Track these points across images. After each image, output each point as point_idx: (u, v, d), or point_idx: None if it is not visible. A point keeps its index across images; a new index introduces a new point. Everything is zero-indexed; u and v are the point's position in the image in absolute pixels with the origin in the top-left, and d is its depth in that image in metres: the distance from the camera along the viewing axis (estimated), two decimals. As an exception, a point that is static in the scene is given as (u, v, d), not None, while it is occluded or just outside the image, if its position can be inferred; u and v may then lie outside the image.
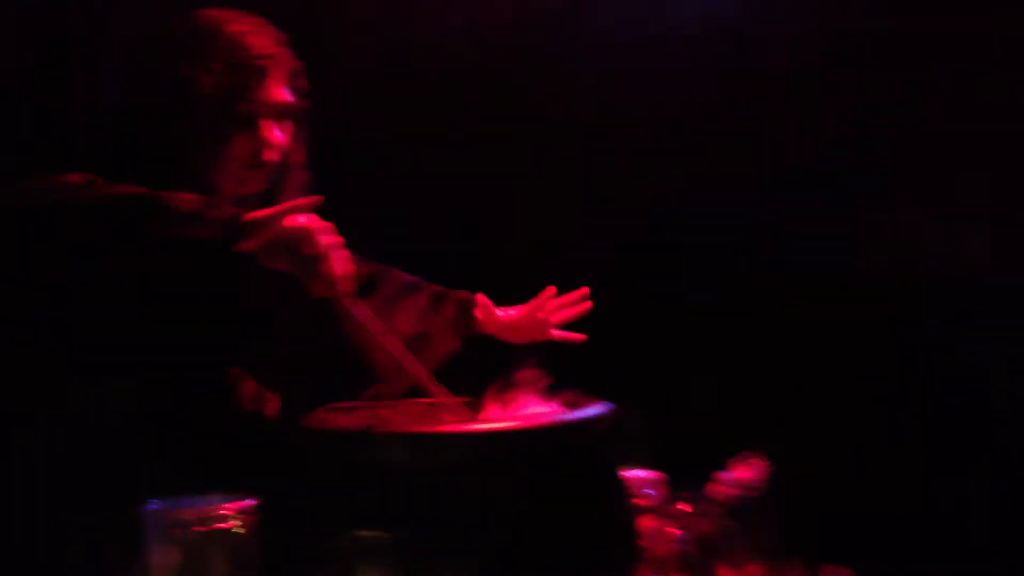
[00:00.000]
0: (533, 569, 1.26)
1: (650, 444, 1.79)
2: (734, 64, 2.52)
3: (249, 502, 1.33)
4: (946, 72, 2.36)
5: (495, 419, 1.42)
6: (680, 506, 1.68)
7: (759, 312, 2.45)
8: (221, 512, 1.30)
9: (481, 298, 2.06)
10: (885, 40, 2.41)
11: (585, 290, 2.06)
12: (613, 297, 2.51)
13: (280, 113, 1.74)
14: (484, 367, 1.61)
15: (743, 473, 1.66)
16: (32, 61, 2.08)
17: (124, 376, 1.63)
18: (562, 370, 1.54)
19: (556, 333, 2.07)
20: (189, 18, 1.72)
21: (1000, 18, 2.29)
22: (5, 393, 1.72)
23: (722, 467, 1.70)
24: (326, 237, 1.48)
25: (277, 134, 1.74)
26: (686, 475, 1.73)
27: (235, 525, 1.30)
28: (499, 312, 2.08)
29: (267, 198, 1.79)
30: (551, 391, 1.52)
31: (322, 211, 1.49)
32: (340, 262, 1.49)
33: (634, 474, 1.72)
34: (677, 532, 1.56)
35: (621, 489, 1.44)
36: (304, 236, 1.46)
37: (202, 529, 1.29)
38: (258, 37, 1.71)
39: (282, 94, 1.73)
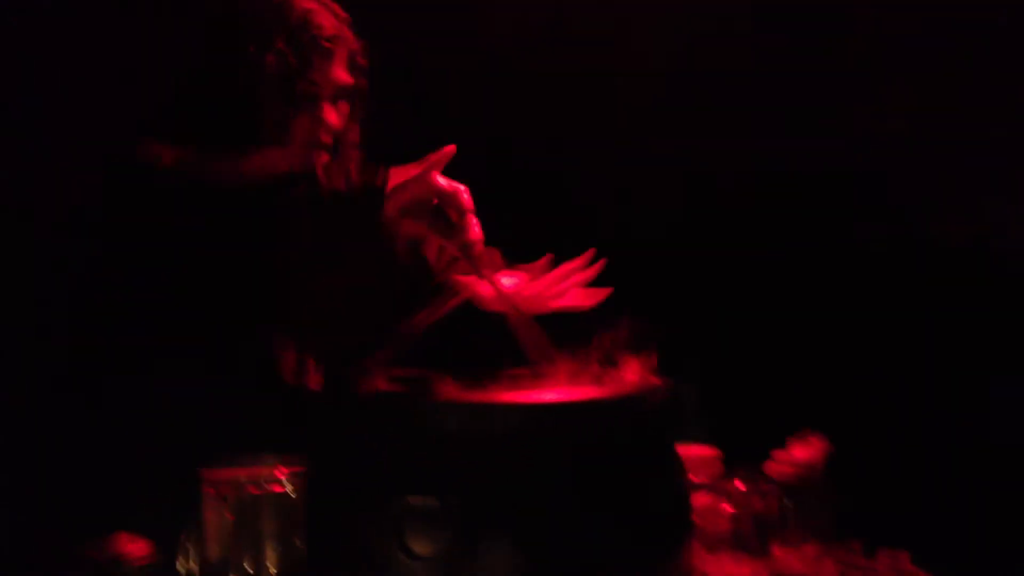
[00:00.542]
0: (582, 542, 1.25)
1: (707, 420, 1.77)
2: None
3: (301, 466, 1.33)
4: None
5: (552, 391, 1.40)
6: (736, 484, 1.67)
7: (824, 289, 2.41)
8: (274, 475, 1.31)
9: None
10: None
11: (600, 266, 1.69)
12: (674, 273, 2.52)
13: (339, 94, 1.74)
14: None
15: (801, 452, 1.63)
16: (102, 40, 2.10)
17: (185, 343, 1.65)
18: (619, 344, 1.52)
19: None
20: None
21: None
22: (79, 358, 1.76)
23: (780, 445, 1.67)
24: (468, 198, 1.47)
25: (334, 115, 1.74)
26: (743, 453, 1.71)
27: (287, 488, 1.31)
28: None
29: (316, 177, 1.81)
30: (610, 365, 1.50)
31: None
32: (477, 226, 1.48)
33: (690, 450, 1.70)
34: (732, 510, 1.54)
35: (676, 465, 1.42)
36: (452, 196, 1.45)
37: (255, 492, 1.29)
38: (323, 17, 1.71)
39: (343, 75, 1.73)
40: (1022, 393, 2.23)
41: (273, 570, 1.31)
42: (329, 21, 1.71)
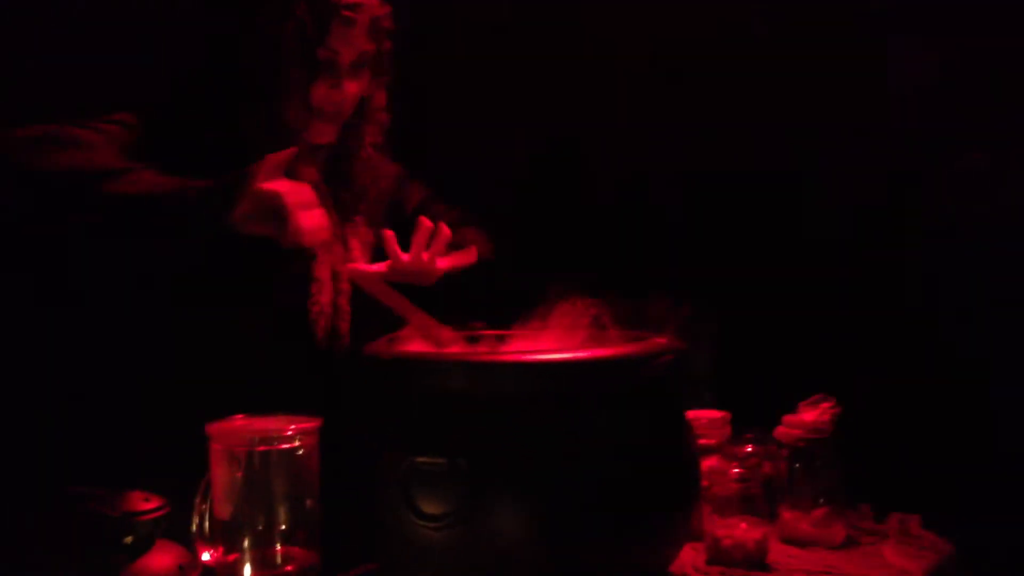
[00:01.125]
0: (589, 503, 1.25)
1: (717, 383, 1.77)
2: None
3: (311, 423, 1.34)
4: None
5: (555, 349, 1.40)
6: (745, 447, 1.67)
7: (834, 255, 2.39)
8: (284, 432, 1.31)
9: (387, 233, 1.70)
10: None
11: (449, 231, 1.70)
12: (685, 237, 2.51)
13: (360, 61, 1.73)
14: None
15: (810, 415, 1.63)
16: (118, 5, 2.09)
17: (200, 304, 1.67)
18: (627, 307, 1.51)
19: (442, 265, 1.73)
20: None
21: None
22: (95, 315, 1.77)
23: (790, 409, 1.67)
24: (294, 196, 1.47)
25: (354, 84, 1.73)
26: (753, 416, 1.71)
27: (297, 446, 1.31)
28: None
29: (343, 143, 1.81)
30: (615, 325, 1.50)
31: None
32: (310, 217, 1.48)
33: (700, 413, 1.70)
34: (740, 472, 1.54)
35: (684, 426, 1.42)
36: (271, 199, 1.46)
37: (265, 448, 1.30)
38: None
39: (363, 43, 1.72)
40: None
41: (285, 528, 1.31)
42: None
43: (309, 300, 1.73)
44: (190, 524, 1.33)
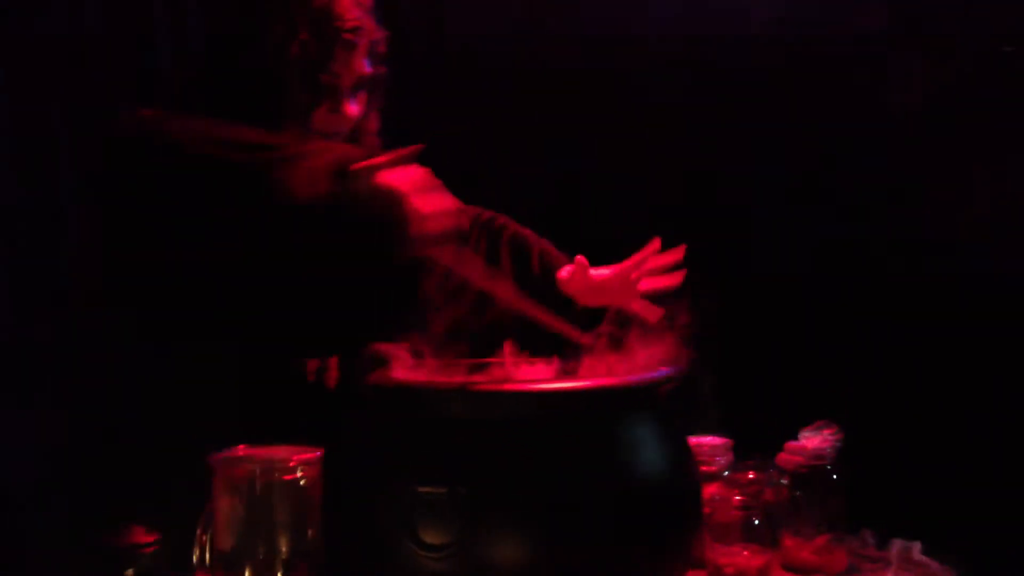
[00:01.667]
0: (590, 531, 1.25)
1: (720, 409, 1.77)
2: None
3: (313, 454, 1.34)
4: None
5: (558, 378, 1.40)
6: (747, 474, 1.67)
7: (836, 281, 2.40)
8: (286, 463, 1.31)
9: (579, 259, 1.76)
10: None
11: (682, 251, 1.72)
12: (691, 264, 2.51)
13: (359, 85, 1.75)
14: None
15: (813, 442, 1.63)
16: (122, 24, 2.11)
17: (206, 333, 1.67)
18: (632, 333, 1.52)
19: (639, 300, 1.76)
20: None
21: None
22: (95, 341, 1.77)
23: (792, 436, 1.67)
24: (420, 198, 1.41)
25: (353, 106, 1.75)
26: (755, 442, 1.71)
27: (299, 476, 1.31)
28: (592, 273, 1.79)
29: None
30: (622, 352, 1.50)
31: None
32: (437, 220, 1.42)
33: (702, 439, 1.70)
34: (743, 500, 1.54)
35: (686, 453, 1.42)
36: (395, 197, 1.41)
37: (267, 479, 1.30)
38: (346, 7, 1.71)
39: (362, 66, 1.74)
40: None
41: (286, 558, 1.31)
42: (352, 12, 1.71)
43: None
44: (191, 555, 1.33)
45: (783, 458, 1.66)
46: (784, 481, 1.64)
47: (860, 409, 1.88)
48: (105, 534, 1.25)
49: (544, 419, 1.28)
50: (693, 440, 1.56)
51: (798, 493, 1.63)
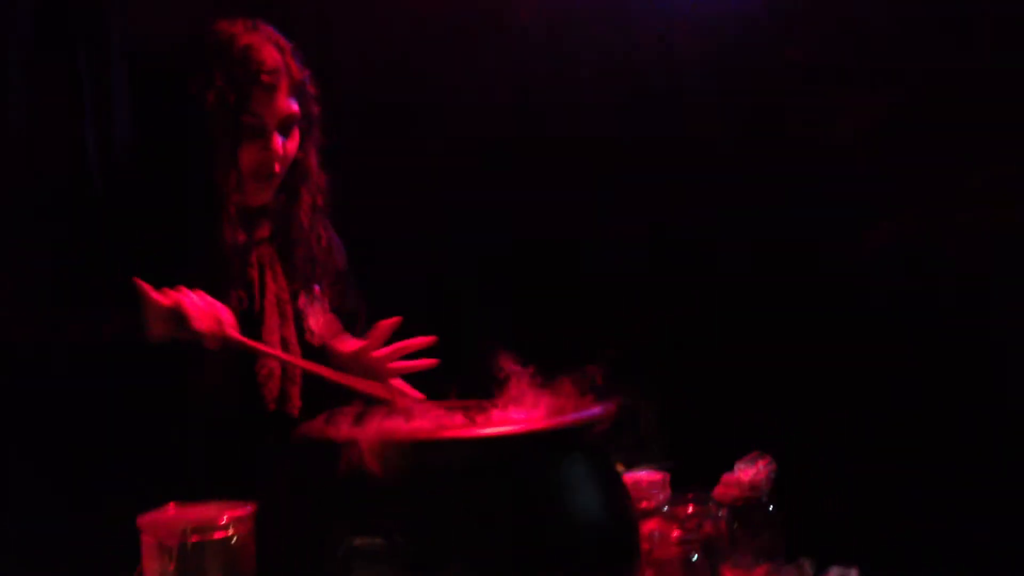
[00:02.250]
0: (528, 574, 1.24)
1: (660, 445, 1.77)
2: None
3: (245, 510, 1.31)
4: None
5: (489, 423, 1.40)
6: (686, 508, 1.67)
7: (767, 312, 2.43)
8: (217, 521, 1.29)
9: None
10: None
11: (431, 340, 1.81)
12: (623, 297, 2.53)
13: (285, 124, 1.76)
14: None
15: (747, 474, 1.64)
16: (43, 78, 2.09)
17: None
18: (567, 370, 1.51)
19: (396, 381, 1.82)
20: (197, 34, 1.76)
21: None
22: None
23: (728, 468, 1.68)
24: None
25: (281, 145, 1.76)
26: (691, 476, 1.71)
27: (231, 534, 1.29)
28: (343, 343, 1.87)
29: (281, 205, 1.85)
30: (551, 391, 1.50)
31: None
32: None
33: (638, 475, 1.70)
34: (681, 534, 1.54)
35: (622, 491, 1.42)
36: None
37: (198, 539, 1.27)
38: (263, 52, 1.74)
39: (287, 106, 1.76)
40: (968, 412, 2.26)
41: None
42: (270, 54, 1.74)
43: (257, 364, 1.76)
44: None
45: (720, 491, 1.66)
46: (722, 514, 1.65)
47: (794, 437, 1.90)
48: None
49: (475, 465, 1.27)
50: (630, 477, 1.56)
51: (736, 525, 1.63)
